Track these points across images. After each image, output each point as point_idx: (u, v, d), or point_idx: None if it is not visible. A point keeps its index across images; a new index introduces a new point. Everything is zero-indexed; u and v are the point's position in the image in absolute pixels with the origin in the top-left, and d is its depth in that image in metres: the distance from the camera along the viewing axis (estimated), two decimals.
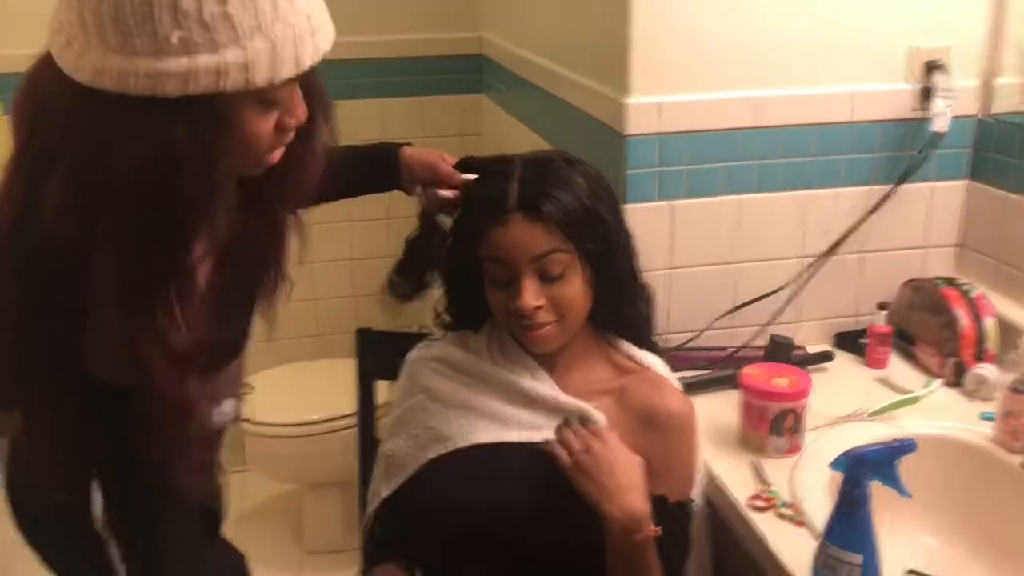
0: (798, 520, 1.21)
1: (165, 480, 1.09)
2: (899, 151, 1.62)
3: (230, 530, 1.39)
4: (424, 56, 2.79)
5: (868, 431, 1.38)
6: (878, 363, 1.61)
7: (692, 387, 1.49)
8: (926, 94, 1.60)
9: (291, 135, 1.04)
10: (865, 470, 1.00)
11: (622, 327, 1.32)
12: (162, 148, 0.90)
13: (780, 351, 1.51)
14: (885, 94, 1.60)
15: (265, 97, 0.96)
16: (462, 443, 1.24)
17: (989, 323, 1.53)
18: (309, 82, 1.03)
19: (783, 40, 1.55)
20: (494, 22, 2.64)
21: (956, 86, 1.58)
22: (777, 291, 1.64)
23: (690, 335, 1.64)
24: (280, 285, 1.19)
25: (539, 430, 1.22)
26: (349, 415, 2.27)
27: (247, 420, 1.43)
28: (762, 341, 1.62)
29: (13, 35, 2.28)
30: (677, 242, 1.60)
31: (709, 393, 1.54)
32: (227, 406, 1.25)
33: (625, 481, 1.13)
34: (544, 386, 1.25)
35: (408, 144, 1.43)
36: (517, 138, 2.39)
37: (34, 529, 1.25)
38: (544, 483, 1.19)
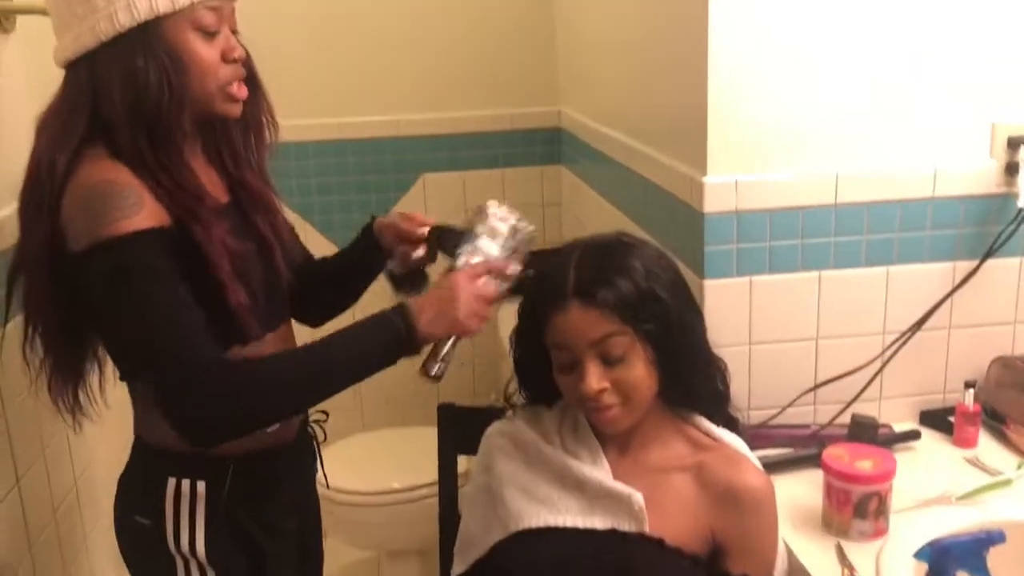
0: None
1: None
2: (984, 226, 1.60)
3: None
4: (507, 130, 2.86)
5: (956, 515, 1.35)
6: (966, 443, 1.57)
7: (773, 466, 1.48)
8: (1011, 169, 1.58)
9: (240, 71, 1.27)
10: (951, 562, 0.98)
11: (695, 403, 1.32)
12: (132, 73, 1.17)
13: (864, 431, 1.49)
14: (968, 170, 1.59)
15: (198, 22, 1.21)
16: (514, 528, 1.26)
17: None
18: (245, 50, 1.30)
19: (862, 116, 1.55)
20: (573, 97, 2.70)
21: None
22: (860, 368, 1.62)
23: (771, 412, 1.63)
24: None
25: (587, 515, 1.24)
26: (428, 484, 2.31)
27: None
28: (845, 419, 1.59)
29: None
30: (756, 318, 1.60)
31: (790, 472, 1.52)
32: None
33: None
34: (596, 470, 1.26)
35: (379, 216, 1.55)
36: (594, 209, 2.43)
37: (126, 551, 1.37)
38: (591, 567, 1.20)
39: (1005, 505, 1.38)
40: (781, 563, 1.28)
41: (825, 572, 1.27)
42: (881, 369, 1.62)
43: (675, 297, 1.25)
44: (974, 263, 1.60)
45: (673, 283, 1.27)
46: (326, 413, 1.52)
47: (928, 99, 1.56)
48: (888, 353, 1.62)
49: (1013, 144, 1.57)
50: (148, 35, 1.18)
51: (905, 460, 1.46)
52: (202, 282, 1.20)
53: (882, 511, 1.32)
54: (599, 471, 1.27)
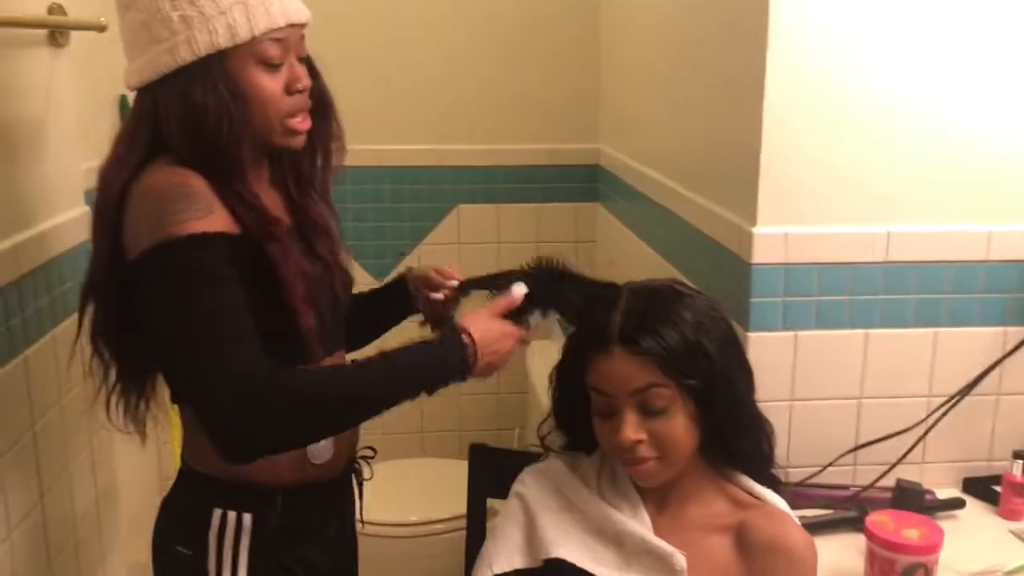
0: None
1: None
2: None
3: None
4: (545, 164, 2.85)
5: None
6: (1013, 515, 1.53)
7: (812, 527, 1.43)
8: None
9: (303, 102, 1.26)
10: None
11: (738, 462, 1.28)
12: (191, 107, 1.17)
13: (910, 498, 1.45)
14: (1023, 234, 1.55)
15: (261, 56, 1.20)
16: (546, 554, 1.22)
17: None
18: (316, 78, 1.31)
19: (915, 174, 1.53)
20: (614, 135, 2.68)
21: None
22: (905, 431, 1.58)
23: (811, 471, 1.59)
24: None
25: (623, 571, 1.20)
26: (452, 518, 2.27)
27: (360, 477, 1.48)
28: (886, 482, 1.55)
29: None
30: (800, 373, 1.57)
31: (830, 534, 1.48)
32: (324, 442, 1.32)
33: None
34: (637, 524, 1.23)
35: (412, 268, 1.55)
36: (630, 248, 2.41)
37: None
38: None
39: None
40: None
41: None
42: (926, 433, 1.58)
43: (723, 354, 1.22)
44: None
45: (723, 339, 1.23)
46: (374, 450, 1.50)
47: (986, 160, 1.53)
48: (933, 417, 1.58)
49: None
50: (209, 68, 1.18)
51: (948, 529, 1.41)
52: (266, 301, 1.18)
53: None
54: (640, 526, 1.23)
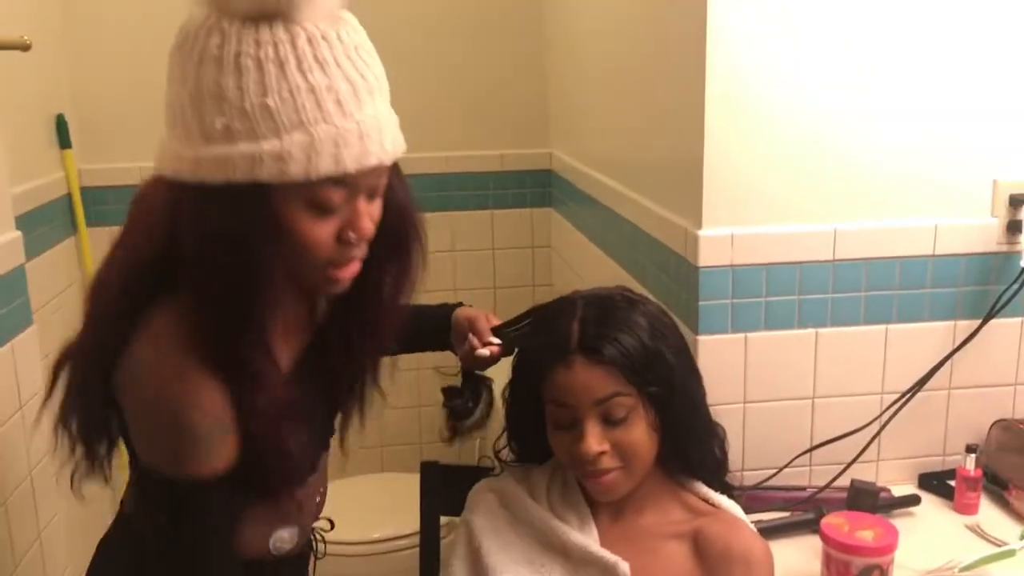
0: None
1: None
2: (985, 285, 1.57)
3: None
4: (497, 171, 2.83)
5: None
6: (968, 509, 1.52)
7: (769, 531, 1.42)
8: (1012, 228, 1.55)
9: (357, 252, 1.03)
10: None
11: (693, 470, 1.27)
12: (209, 231, 0.95)
13: (864, 499, 1.43)
14: (970, 227, 1.55)
15: (315, 199, 0.96)
16: None
17: None
18: (396, 210, 1.08)
19: (862, 172, 1.52)
20: (564, 140, 2.67)
21: None
22: (859, 430, 1.57)
23: (767, 474, 1.57)
24: (356, 407, 1.21)
25: None
26: (409, 535, 2.24)
27: (315, 553, 1.41)
28: (842, 481, 1.54)
29: None
30: (751, 376, 1.55)
31: (787, 538, 1.46)
32: (285, 533, 1.21)
33: None
34: (583, 536, 1.20)
35: (464, 305, 1.41)
36: (584, 253, 2.39)
37: None
38: None
39: None
40: None
41: None
42: (880, 431, 1.58)
43: (679, 359, 1.21)
44: (975, 323, 1.57)
45: (678, 345, 1.22)
46: (331, 522, 1.42)
47: (930, 155, 1.53)
48: (887, 414, 1.58)
49: (1015, 202, 1.54)
50: (243, 196, 0.94)
51: (905, 526, 1.42)
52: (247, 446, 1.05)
53: None
54: (586, 537, 1.20)
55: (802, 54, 1.46)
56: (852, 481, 1.49)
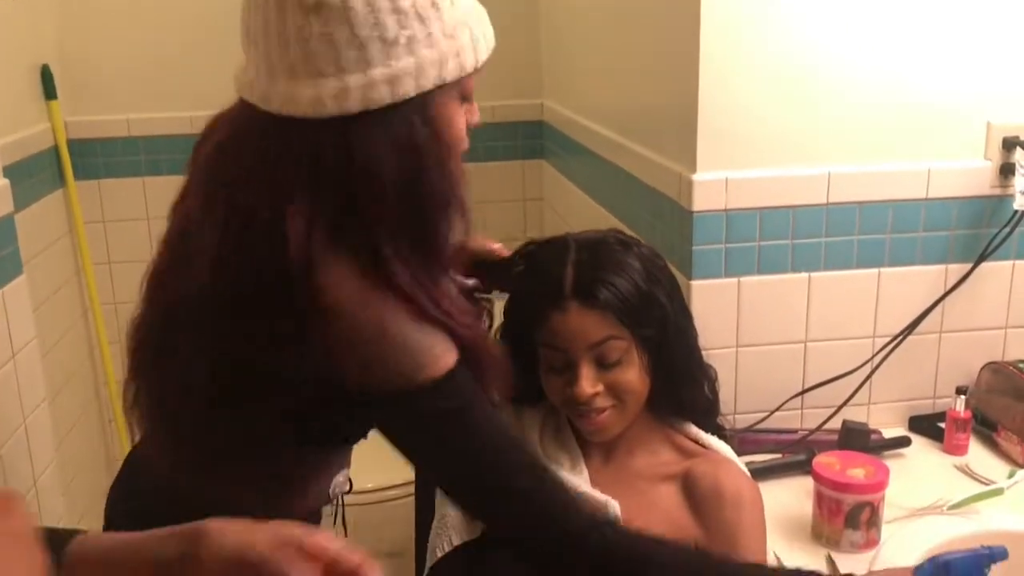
0: None
1: None
2: (978, 228, 1.57)
3: None
4: (488, 122, 2.79)
5: (948, 525, 1.32)
6: (957, 450, 1.54)
7: (761, 472, 1.44)
8: (1005, 171, 1.55)
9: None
10: None
11: (684, 412, 1.27)
12: (403, 149, 0.93)
13: (855, 438, 1.45)
14: (962, 171, 1.55)
15: (466, 89, 1.00)
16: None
17: None
18: None
19: (856, 115, 1.51)
20: (557, 90, 2.65)
21: None
22: (850, 372, 1.58)
23: (759, 416, 1.59)
24: None
25: None
26: (403, 484, 2.25)
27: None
28: (835, 423, 1.56)
29: None
30: (744, 320, 1.56)
31: (779, 479, 1.48)
32: (341, 476, 1.23)
33: None
34: (573, 476, 1.21)
35: None
36: (577, 205, 2.38)
37: None
38: None
39: (997, 515, 1.35)
40: None
41: None
42: (871, 374, 1.59)
43: (672, 302, 1.21)
44: (967, 266, 1.57)
45: (671, 287, 1.22)
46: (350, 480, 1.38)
47: (923, 99, 1.52)
48: (878, 357, 1.59)
49: (1008, 145, 1.54)
50: (427, 104, 0.95)
51: (895, 467, 1.43)
52: None
53: (874, 522, 1.29)
54: (576, 477, 1.21)
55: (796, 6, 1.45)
56: (844, 421, 1.50)
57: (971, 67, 1.52)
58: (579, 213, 2.36)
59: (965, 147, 1.55)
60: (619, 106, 1.98)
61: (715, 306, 1.54)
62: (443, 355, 0.97)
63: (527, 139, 2.83)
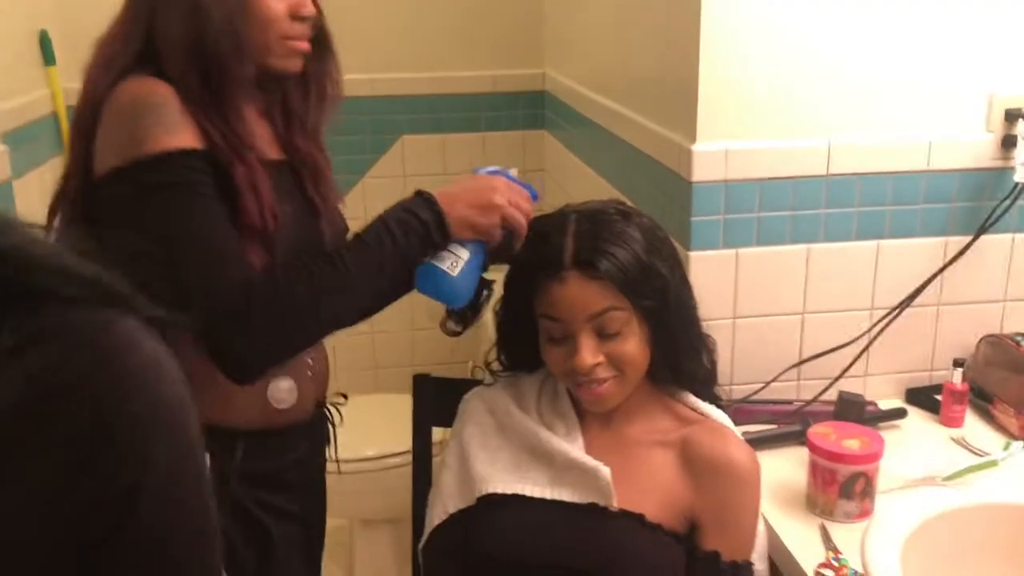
0: None
1: None
2: (978, 201, 1.56)
3: None
4: (489, 92, 2.79)
5: (942, 497, 1.32)
6: (953, 422, 1.54)
7: (756, 442, 1.44)
8: (1007, 143, 1.54)
9: (304, 30, 1.22)
10: None
11: (683, 381, 1.28)
12: (195, 10, 1.13)
13: (851, 410, 1.45)
14: (964, 142, 1.54)
15: None
16: (478, 492, 1.21)
17: None
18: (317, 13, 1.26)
19: (856, 86, 1.50)
20: (558, 59, 2.63)
21: None
22: (847, 344, 1.58)
23: (755, 388, 1.59)
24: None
25: (556, 487, 1.19)
26: (401, 453, 2.26)
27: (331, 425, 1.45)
28: (830, 396, 1.56)
29: None
30: (742, 291, 1.56)
31: (774, 449, 1.48)
32: (283, 383, 1.26)
33: None
34: (566, 442, 1.22)
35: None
36: (578, 176, 2.37)
37: None
38: (565, 537, 1.16)
39: (991, 486, 1.35)
40: (760, 543, 1.24)
41: (808, 553, 1.24)
42: (868, 346, 1.59)
43: (673, 273, 1.20)
44: (966, 239, 1.57)
45: (672, 258, 1.22)
46: (345, 396, 1.46)
47: (925, 69, 1.51)
48: (876, 329, 1.59)
49: (1010, 117, 1.53)
50: None
51: (891, 439, 1.43)
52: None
53: (868, 492, 1.29)
54: (570, 443, 1.22)
55: None
56: (840, 393, 1.51)
57: (974, 38, 1.51)
58: (580, 184, 2.36)
59: (967, 119, 1.54)
60: (620, 76, 1.97)
61: (713, 277, 1.54)
62: (169, 136, 1.09)
63: (528, 109, 2.82)
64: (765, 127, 1.50)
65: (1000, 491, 1.33)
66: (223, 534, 0.71)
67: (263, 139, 1.25)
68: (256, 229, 1.14)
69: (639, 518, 1.17)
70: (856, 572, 1.18)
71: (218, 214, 1.11)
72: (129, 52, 1.15)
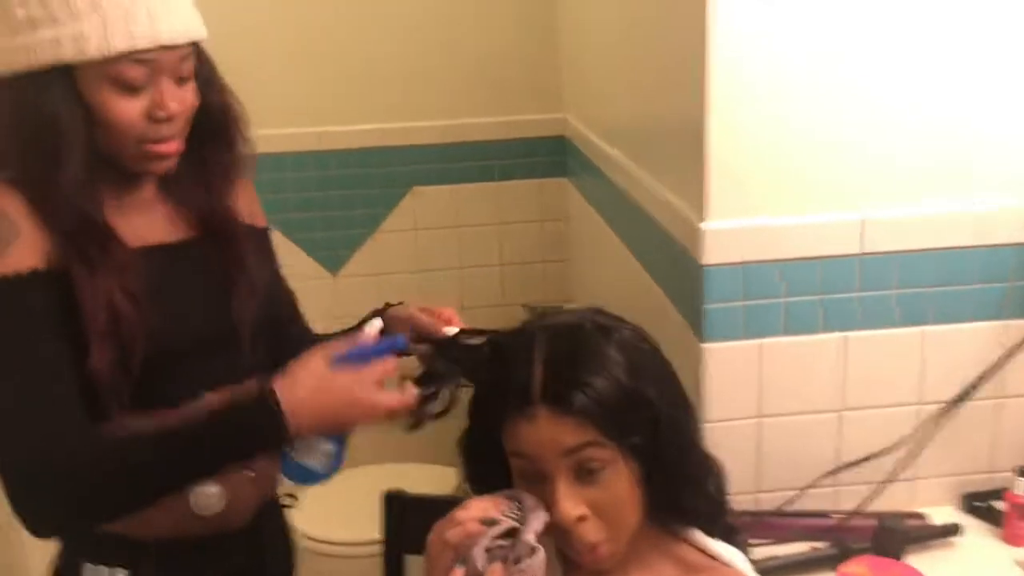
0: None
1: None
2: None
3: None
4: (504, 139, 2.63)
5: None
6: (1018, 540, 1.33)
7: (783, 569, 1.25)
8: None
9: (169, 131, 1.11)
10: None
11: (686, 517, 1.09)
12: (26, 114, 1.06)
13: (892, 540, 1.24)
14: (1018, 212, 1.34)
15: (118, 77, 1.06)
16: None
17: None
18: (207, 96, 1.16)
19: (892, 150, 1.32)
20: (577, 104, 2.46)
21: None
22: (894, 447, 1.38)
23: (787, 495, 1.39)
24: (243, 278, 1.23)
25: None
26: (374, 542, 2.10)
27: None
28: (874, 504, 1.36)
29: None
30: (768, 386, 1.37)
31: None
32: (211, 488, 1.17)
33: None
34: None
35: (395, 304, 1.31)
36: (599, 234, 2.19)
37: None
38: None
39: None
40: None
41: None
42: (916, 447, 1.38)
43: (662, 394, 1.01)
44: None
45: (660, 375, 1.03)
46: (295, 497, 1.34)
47: (970, 130, 1.32)
48: (925, 428, 1.38)
49: None
50: (53, 81, 1.05)
51: (944, 559, 1.25)
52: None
53: None
54: None
55: (825, 18, 1.26)
56: (879, 519, 1.30)
57: None
58: (600, 242, 2.17)
59: (1020, 184, 1.34)
60: (634, 129, 1.80)
61: (733, 372, 1.35)
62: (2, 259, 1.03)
63: (548, 156, 2.65)
64: (786, 201, 1.32)
65: None
66: None
67: (154, 222, 1.18)
68: (103, 332, 1.06)
69: None
70: None
71: (44, 350, 1.04)
72: None
